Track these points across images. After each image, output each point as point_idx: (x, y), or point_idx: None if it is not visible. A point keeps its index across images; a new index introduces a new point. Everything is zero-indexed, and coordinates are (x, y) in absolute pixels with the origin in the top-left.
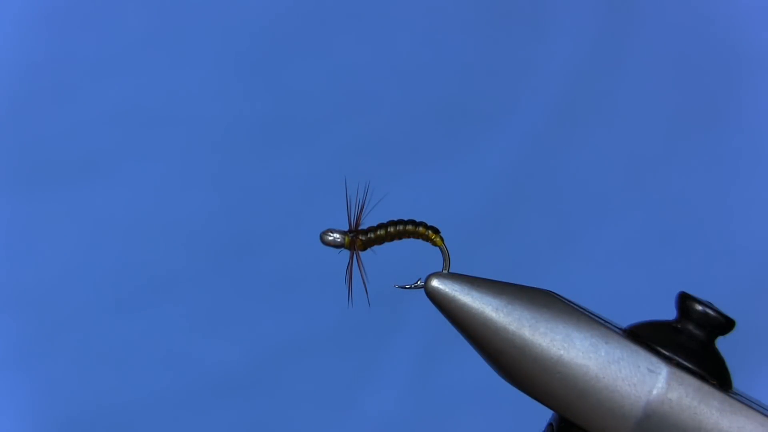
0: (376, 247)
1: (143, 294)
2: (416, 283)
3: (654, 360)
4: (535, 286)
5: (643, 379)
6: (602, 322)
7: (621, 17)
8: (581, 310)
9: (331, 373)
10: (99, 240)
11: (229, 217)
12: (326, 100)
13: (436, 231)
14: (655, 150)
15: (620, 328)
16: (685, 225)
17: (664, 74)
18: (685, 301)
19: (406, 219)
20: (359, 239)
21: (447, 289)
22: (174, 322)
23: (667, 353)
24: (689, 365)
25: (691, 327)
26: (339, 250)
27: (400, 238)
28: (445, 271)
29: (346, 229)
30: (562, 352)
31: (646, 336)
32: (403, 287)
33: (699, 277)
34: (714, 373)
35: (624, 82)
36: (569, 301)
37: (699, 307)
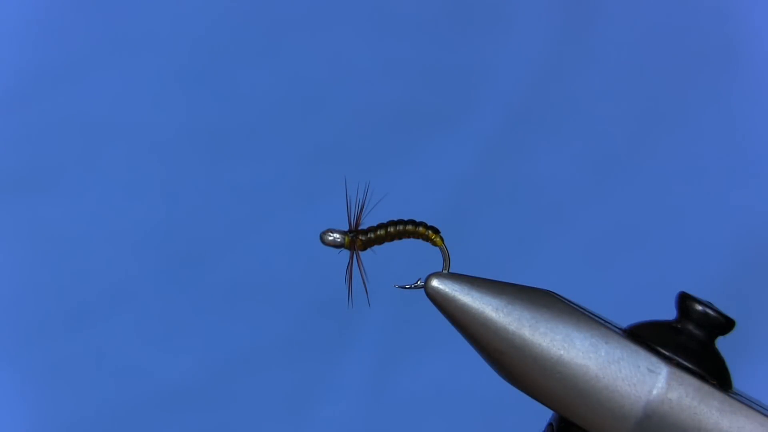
0: (375, 247)
1: (93, 307)
2: (416, 283)
3: (654, 360)
4: (535, 287)
5: (643, 379)
6: (602, 322)
7: (578, 20)
8: (581, 310)
9: (286, 383)
10: (46, 252)
11: (178, 227)
12: (278, 106)
13: (436, 231)
14: (615, 151)
15: (620, 329)
16: (647, 225)
17: (623, 75)
18: (685, 301)
19: (406, 219)
20: (359, 239)
21: (447, 290)
22: (125, 335)
23: (667, 353)
24: (689, 365)
25: (691, 327)
26: (339, 250)
27: (400, 238)
28: (445, 271)
29: (346, 229)
30: (562, 352)
31: (646, 336)
32: (403, 287)
33: (670, 275)
34: (714, 373)
35: (582, 84)
36: (569, 302)
37: (699, 307)
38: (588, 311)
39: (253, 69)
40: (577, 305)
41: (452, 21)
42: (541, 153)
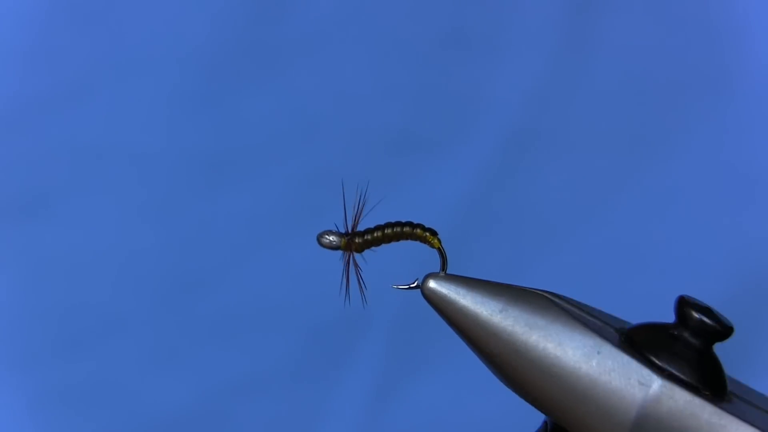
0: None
1: (87, 334)
2: (413, 283)
3: (645, 372)
4: (533, 289)
5: (633, 392)
6: (599, 325)
7: (574, 44)
8: (579, 312)
9: (282, 411)
10: (39, 279)
11: (173, 253)
12: (273, 132)
13: (434, 233)
14: (611, 172)
15: (619, 330)
16: (644, 245)
17: (618, 98)
18: (683, 307)
19: (403, 221)
20: (355, 241)
21: (443, 291)
22: (119, 362)
23: (660, 363)
24: (682, 376)
25: (687, 335)
26: (336, 251)
27: (397, 240)
28: (442, 273)
29: (343, 231)
30: (554, 360)
31: (643, 341)
32: (400, 287)
33: (668, 293)
34: (708, 382)
35: (577, 107)
36: (568, 303)
37: (696, 315)
38: (587, 311)
39: (248, 95)
40: (575, 305)
41: (449, 46)
42: (538, 176)
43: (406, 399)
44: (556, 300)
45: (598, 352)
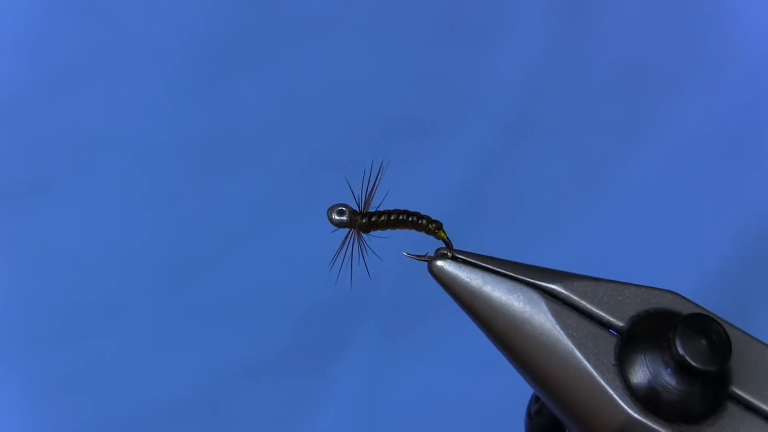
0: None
1: (86, 320)
2: (425, 255)
3: (619, 404)
4: (533, 282)
5: (613, 412)
6: (586, 347)
7: (571, 30)
8: (571, 315)
9: (280, 395)
10: (38, 265)
11: (171, 239)
12: (270, 119)
13: (439, 226)
14: (608, 157)
15: (627, 320)
16: (642, 229)
17: (615, 83)
18: (675, 350)
19: (411, 210)
20: (362, 221)
21: (450, 270)
22: (117, 348)
23: (636, 396)
24: (655, 413)
25: (670, 371)
26: (342, 228)
27: (403, 227)
28: (450, 254)
29: (354, 209)
30: (539, 373)
31: (639, 345)
32: (411, 256)
33: (667, 279)
34: (687, 411)
35: (575, 92)
36: (565, 303)
37: (680, 352)
38: (586, 309)
39: (246, 82)
40: (575, 304)
41: (447, 32)
42: (535, 160)
43: (403, 380)
44: (552, 301)
45: (578, 378)
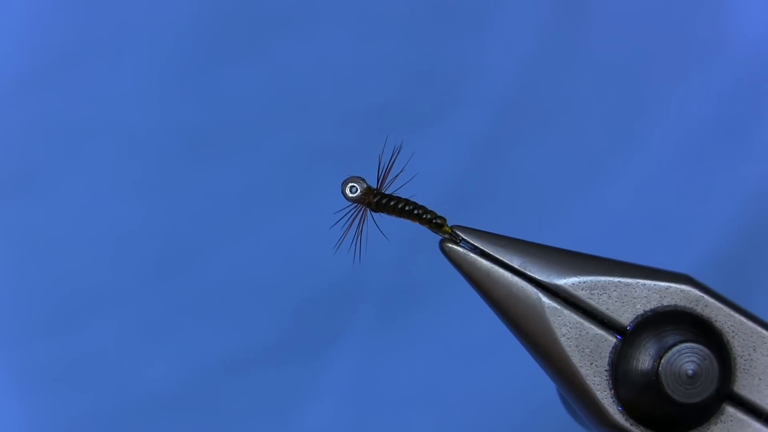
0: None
1: (74, 311)
2: (441, 229)
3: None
4: (535, 280)
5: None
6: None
7: (565, 17)
8: (571, 316)
9: (272, 385)
10: (27, 255)
11: (160, 229)
12: (262, 107)
13: (444, 221)
14: (603, 144)
15: (632, 320)
16: (637, 217)
17: (609, 70)
18: (661, 387)
19: (419, 204)
20: (372, 200)
21: (459, 250)
22: (105, 339)
23: (623, 405)
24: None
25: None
26: (353, 202)
27: (408, 218)
28: (462, 235)
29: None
30: (539, 362)
31: (635, 351)
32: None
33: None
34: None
35: (569, 79)
36: (567, 302)
37: (666, 389)
38: (586, 308)
39: (238, 69)
40: (574, 302)
41: (439, 18)
42: (531, 146)
43: (394, 371)
44: (550, 302)
45: (570, 387)
